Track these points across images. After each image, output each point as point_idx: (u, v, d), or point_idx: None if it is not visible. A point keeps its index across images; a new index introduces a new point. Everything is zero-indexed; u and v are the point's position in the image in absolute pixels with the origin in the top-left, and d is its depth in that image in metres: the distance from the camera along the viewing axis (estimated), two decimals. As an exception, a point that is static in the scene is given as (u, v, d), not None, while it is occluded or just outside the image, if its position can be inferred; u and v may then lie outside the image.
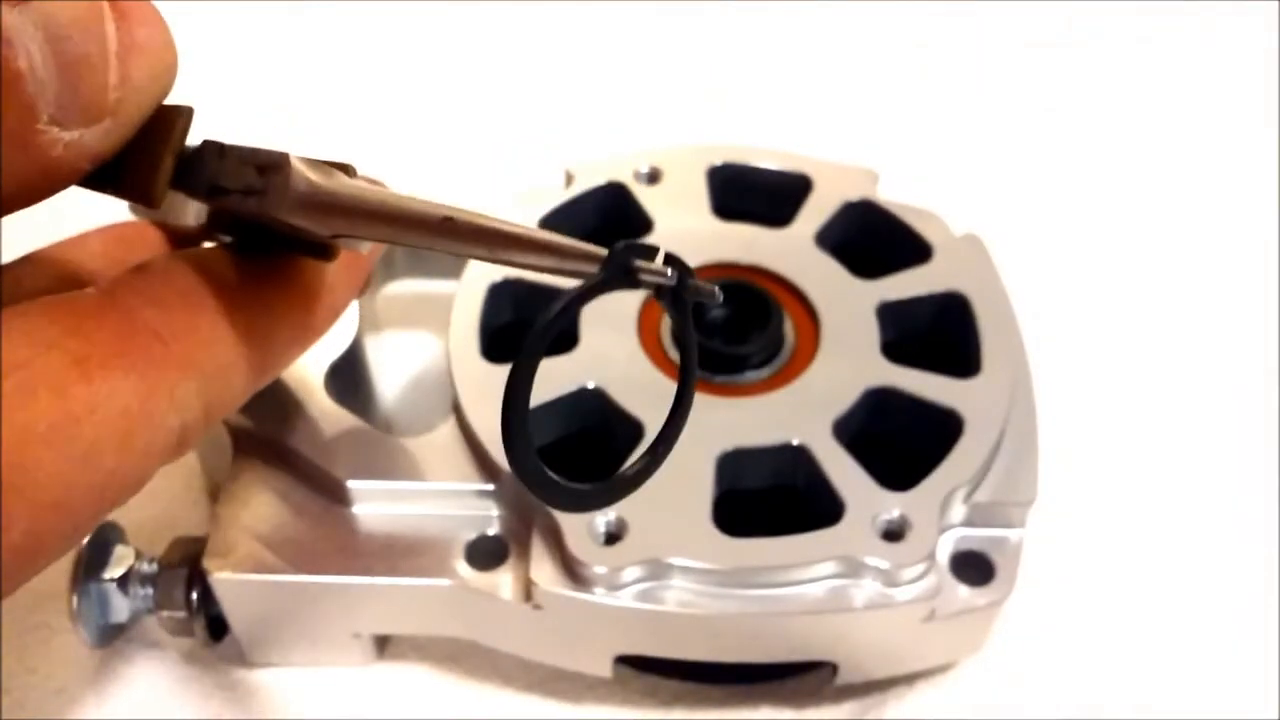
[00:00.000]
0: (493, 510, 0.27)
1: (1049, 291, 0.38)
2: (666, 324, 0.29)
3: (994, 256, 0.32)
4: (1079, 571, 0.31)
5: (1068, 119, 0.45)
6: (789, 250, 0.31)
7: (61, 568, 0.27)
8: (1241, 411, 0.35)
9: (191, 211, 0.24)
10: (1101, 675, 0.29)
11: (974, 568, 0.26)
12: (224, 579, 0.26)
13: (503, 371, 0.27)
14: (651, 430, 0.26)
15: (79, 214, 0.23)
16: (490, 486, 0.26)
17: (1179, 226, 0.41)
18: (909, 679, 0.29)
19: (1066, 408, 0.33)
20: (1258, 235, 0.41)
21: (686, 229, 0.32)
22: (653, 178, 0.33)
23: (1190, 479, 0.34)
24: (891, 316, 0.29)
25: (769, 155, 0.34)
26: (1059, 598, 0.30)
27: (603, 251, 0.16)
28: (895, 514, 0.25)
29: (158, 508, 0.32)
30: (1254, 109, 0.47)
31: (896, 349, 0.29)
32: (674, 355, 0.28)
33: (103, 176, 0.17)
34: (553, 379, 0.27)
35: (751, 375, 0.28)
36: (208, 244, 0.21)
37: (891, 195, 0.33)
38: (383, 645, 0.29)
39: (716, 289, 0.17)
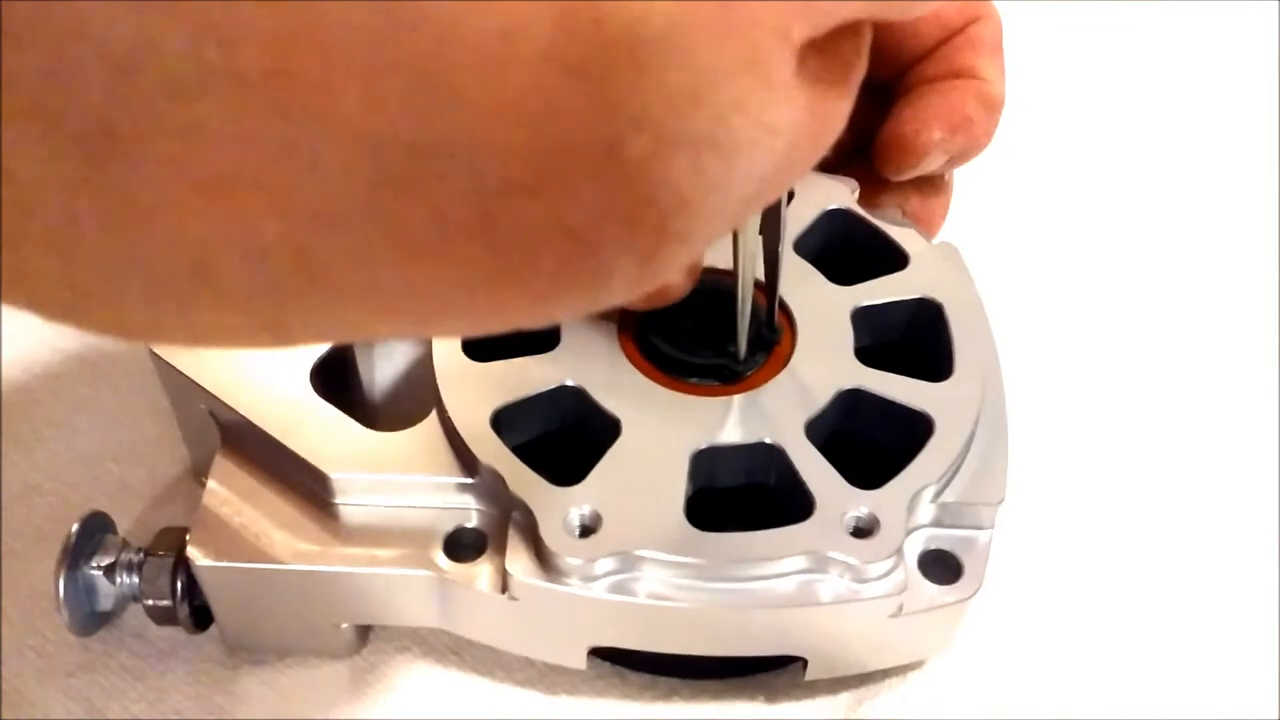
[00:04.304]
0: (471, 503, 0.27)
1: (1024, 298, 0.38)
2: (645, 323, 0.29)
3: (971, 265, 0.32)
4: (1052, 569, 0.32)
5: (1046, 128, 0.46)
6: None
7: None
8: (1213, 410, 0.36)
9: None
10: (1074, 672, 0.30)
11: (942, 566, 0.27)
12: (207, 567, 0.26)
13: (483, 368, 0.28)
14: (629, 427, 0.27)
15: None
16: (469, 480, 0.27)
17: (1152, 237, 0.42)
18: (880, 675, 0.29)
19: (1040, 408, 0.34)
20: (1233, 245, 0.42)
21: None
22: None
23: (1163, 477, 0.34)
24: (866, 321, 0.30)
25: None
26: (1032, 595, 0.31)
27: None
28: (864, 512, 0.26)
29: (146, 499, 0.33)
30: (1237, 116, 0.47)
31: (871, 353, 0.29)
32: (651, 355, 0.29)
33: None
34: (533, 376, 0.28)
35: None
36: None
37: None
38: (364, 636, 0.30)
39: None
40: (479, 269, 0.13)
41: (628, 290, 0.14)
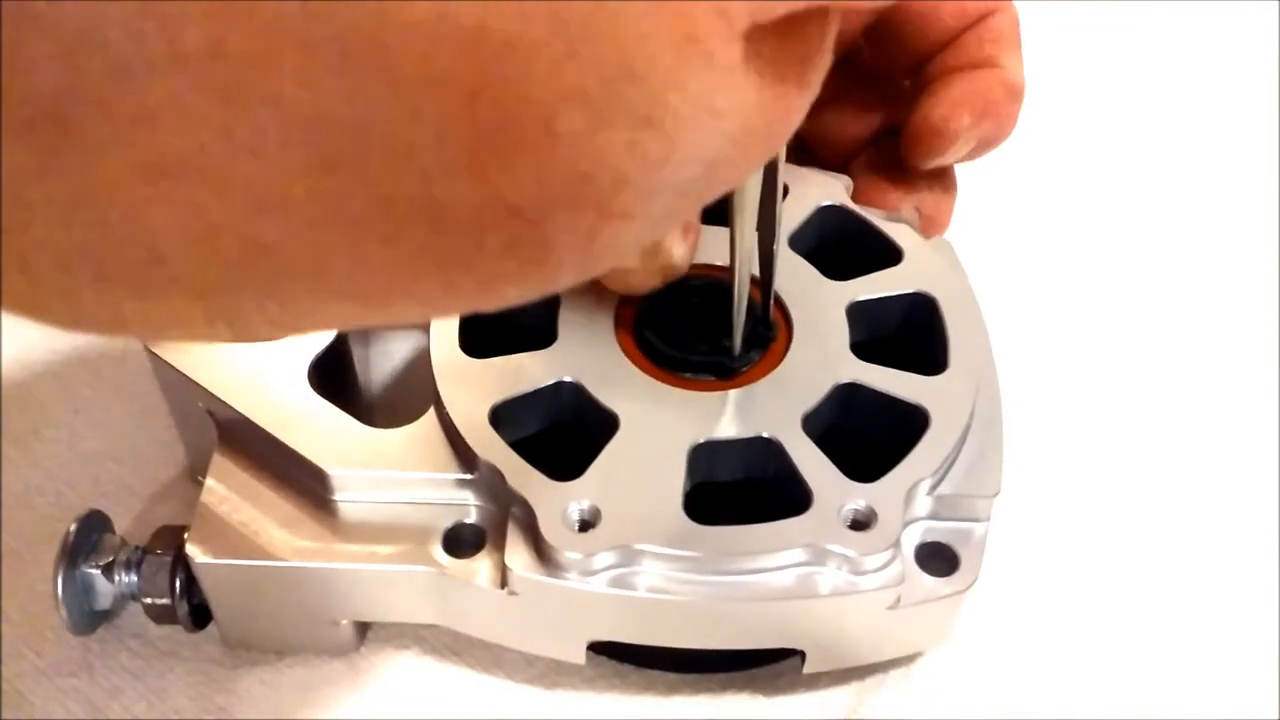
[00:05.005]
0: (470, 499, 0.27)
1: (1018, 292, 0.38)
2: (642, 319, 0.29)
3: (964, 259, 0.33)
4: (1049, 561, 0.32)
5: (1040, 124, 0.46)
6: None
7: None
8: (1209, 402, 0.36)
9: None
10: (1072, 665, 0.30)
11: (939, 558, 0.27)
12: (206, 564, 0.26)
13: (481, 364, 0.28)
14: (627, 423, 0.27)
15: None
16: (468, 476, 0.27)
17: (1147, 232, 0.42)
18: (879, 669, 0.29)
19: (1034, 400, 0.34)
20: (1230, 242, 0.42)
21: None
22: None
23: (1159, 469, 0.34)
24: (861, 316, 0.30)
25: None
26: (1029, 586, 0.31)
27: None
28: (861, 504, 0.26)
29: (145, 498, 0.33)
30: (1237, 116, 0.48)
31: (866, 347, 0.30)
32: (649, 350, 0.29)
33: None
34: (531, 372, 0.28)
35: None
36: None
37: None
38: (363, 633, 0.30)
39: None
40: (425, 250, 0.13)
41: (577, 271, 0.14)
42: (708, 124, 0.14)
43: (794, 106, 0.15)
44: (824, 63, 0.16)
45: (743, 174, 0.16)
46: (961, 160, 0.32)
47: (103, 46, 0.11)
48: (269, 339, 0.15)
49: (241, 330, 0.15)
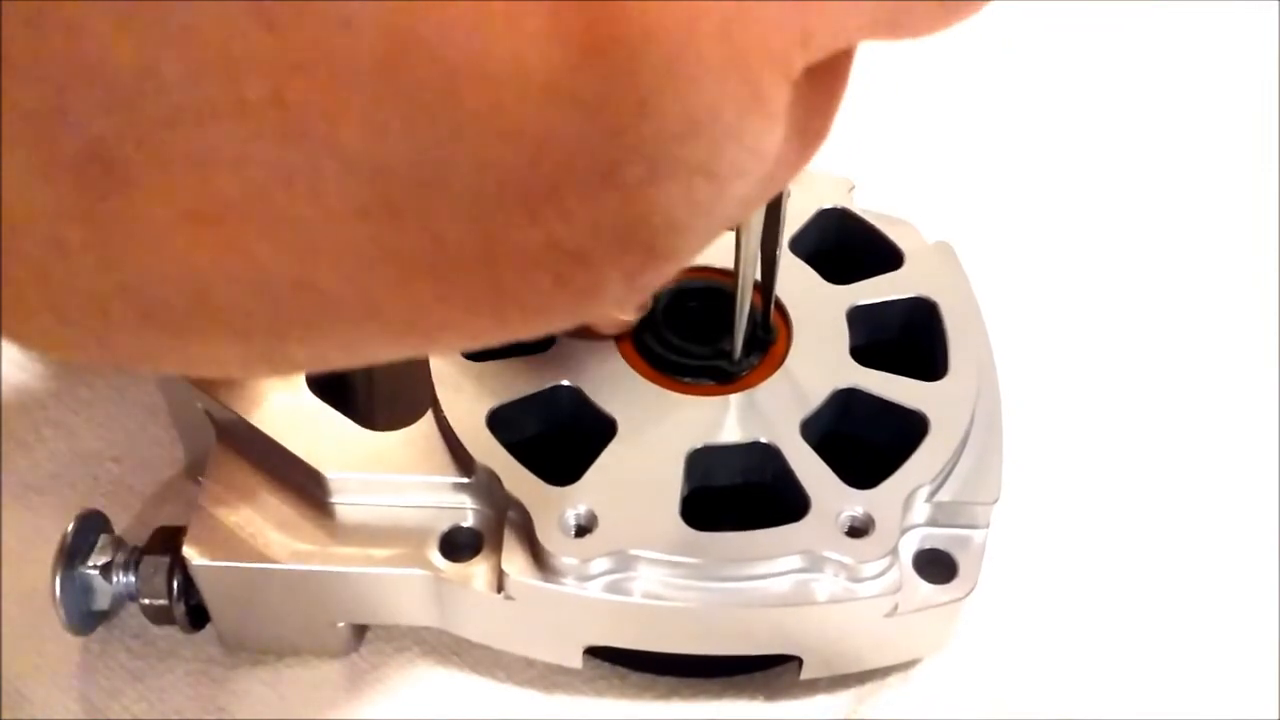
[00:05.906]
0: (467, 503, 0.27)
1: (1020, 297, 0.38)
2: (641, 323, 0.29)
3: (967, 263, 0.32)
4: (1048, 567, 0.32)
5: (1042, 128, 0.46)
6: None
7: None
8: (1210, 408, 0.36)
9: None
10: (1072, 671, 0.30)
11: (937, 565, 0.27)
12: (203, 566, 0.26)
13: (479, 367, 0.28)
14: (625, 427, 0.27)
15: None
16: (465, 479, 0.27)
17: (1149, 236, 0.42)
18: (877, 674, 0.29)
19: (1035, 407, 0.34)
20: (1230, 244, 0.42)
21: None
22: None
23: (1159, 475, 0.34)
24: (861, 320, 0.30)
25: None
26: (1028, 593, 0.31)
27: None
28: (859, 511, 0.26)
29: (145, 498, 0.33)
30: (1236, 116, 0.47)
31: (866, 352, 0.29)
32: (647, 354, 0.29)
33: None
34: (529, 376, 0.28)
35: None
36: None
37: (867, 203, 0.34)
38: (360, 635, 0.30)
39: None
40: (477, 288, 0.14)
41: (616, 304, 0.15)
42: (754, 168, 0.14)
43: (821, 135, 0.16)
44: (845, 87, 0.16)
45: (757, 208, 0.16)
46: None
47: (158, 94, 0.11)
48: (308, 372, 0.15)
49: (281, 366, 0.15)
